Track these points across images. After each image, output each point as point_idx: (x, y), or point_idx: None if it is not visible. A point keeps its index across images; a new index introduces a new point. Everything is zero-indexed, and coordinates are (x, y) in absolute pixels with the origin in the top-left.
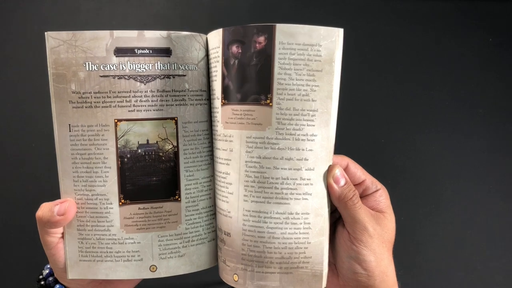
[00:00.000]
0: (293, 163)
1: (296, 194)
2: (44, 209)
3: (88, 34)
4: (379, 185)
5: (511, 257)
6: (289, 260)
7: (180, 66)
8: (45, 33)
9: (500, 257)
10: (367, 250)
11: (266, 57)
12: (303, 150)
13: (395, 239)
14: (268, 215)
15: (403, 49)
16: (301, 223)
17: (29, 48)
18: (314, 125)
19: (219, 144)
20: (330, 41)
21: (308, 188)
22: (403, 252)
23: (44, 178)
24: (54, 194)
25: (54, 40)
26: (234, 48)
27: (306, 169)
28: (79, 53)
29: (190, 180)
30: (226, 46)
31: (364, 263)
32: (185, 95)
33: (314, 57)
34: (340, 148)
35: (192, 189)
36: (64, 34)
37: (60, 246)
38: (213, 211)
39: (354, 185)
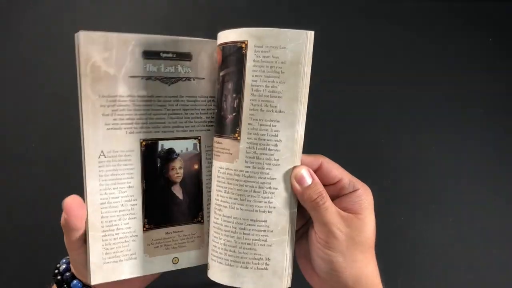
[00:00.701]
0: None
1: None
2: (63, 216)
3: (118, 36)
4: (358, 185)
5: (511, 257)
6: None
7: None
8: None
9: (500, 257)
10: (334, 252)
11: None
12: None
13: (394, 239)
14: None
15: (403, 49)
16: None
17: (29, 48)
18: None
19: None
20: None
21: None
22: (403, 252)
23: (49, 177)
24: (53, 193)
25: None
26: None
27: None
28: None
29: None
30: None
31: (332, 263)
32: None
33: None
34: (340, 148)
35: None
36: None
37: (83, 250)
38: None
39: (329, 185)
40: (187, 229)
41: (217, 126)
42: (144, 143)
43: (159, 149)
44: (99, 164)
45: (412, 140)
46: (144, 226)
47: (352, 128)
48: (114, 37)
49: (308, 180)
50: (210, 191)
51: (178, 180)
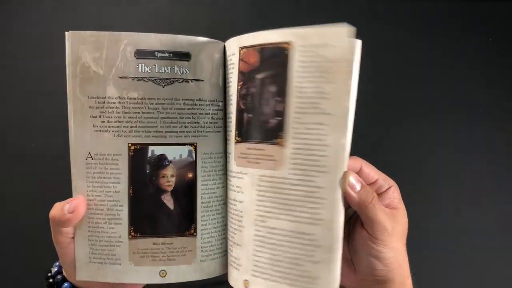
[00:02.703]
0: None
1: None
2: (57, 208)
3: (109, 35)
4: (391, 181)
5: (511, 257)
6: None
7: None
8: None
9: (500, 257)
10: (387, 248)
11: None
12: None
13: None
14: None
15: (403, 49)
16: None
17: (28, 48)
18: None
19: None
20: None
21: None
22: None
23: (50, 177)
24: (60, 193)
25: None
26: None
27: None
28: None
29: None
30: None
31: (384, 260)
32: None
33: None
34: None
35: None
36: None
37: (72, 246)
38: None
39: (369, 184)
40: (178, 242)
41: (255, 132)
42: (132, 147)
43: (149, 154)
44: (86, 165)
45: (412, 140)
46: (130, 234)
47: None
48: (105, 36)
49: (357, 186)
50: (206, 203)
51: (169, 188)
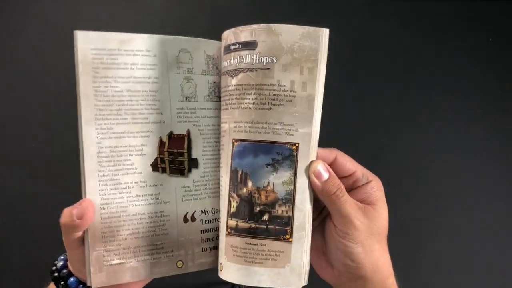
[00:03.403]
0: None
1: None
2: (65, 215)
3: (117, 35)
4: (370, 176)
5: (511, 257)
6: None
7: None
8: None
9: (500, 257)
10: (354, 243)
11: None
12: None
13: (396, 238)
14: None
15: (403, 49)
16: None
17: (30, 48)
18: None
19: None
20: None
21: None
22: (403, 252)
23: (44, 177)
24: (53, 194)
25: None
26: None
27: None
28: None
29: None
30: None
31: (352, 255)
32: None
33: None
34: (340, 147)
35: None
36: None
37: (82, 249)
38: None
39: (344, 177)
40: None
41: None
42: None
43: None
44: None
45: (412, 140)
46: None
47: (352, 128)
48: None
49: (325, 175)
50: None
51: None
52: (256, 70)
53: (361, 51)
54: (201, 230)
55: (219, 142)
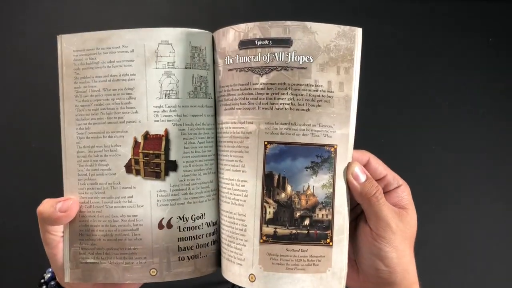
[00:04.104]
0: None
1: None
2: (46, 205)
3: (97, 34)
4: (400, 180)
5: (511, 257)
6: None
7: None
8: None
9: (500, 257)
10: (390, 247)
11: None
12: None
13: None
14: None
15: (403, 49)
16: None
17: (28, 49)
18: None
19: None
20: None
21: None
22: None
23: (44, 177)
24: (53, 194)
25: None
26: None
27: None
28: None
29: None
30: None
31: (386, 259)
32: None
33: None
34: None
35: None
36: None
37: (61, 246)
38: None
39: (375, 180)
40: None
41: None
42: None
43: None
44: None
45: (412, 140)
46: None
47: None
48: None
49: (362, 177)
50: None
51: None
52: (292, 69)
53: (361, 51)
54: (178, 238)
55: (203, 143)
